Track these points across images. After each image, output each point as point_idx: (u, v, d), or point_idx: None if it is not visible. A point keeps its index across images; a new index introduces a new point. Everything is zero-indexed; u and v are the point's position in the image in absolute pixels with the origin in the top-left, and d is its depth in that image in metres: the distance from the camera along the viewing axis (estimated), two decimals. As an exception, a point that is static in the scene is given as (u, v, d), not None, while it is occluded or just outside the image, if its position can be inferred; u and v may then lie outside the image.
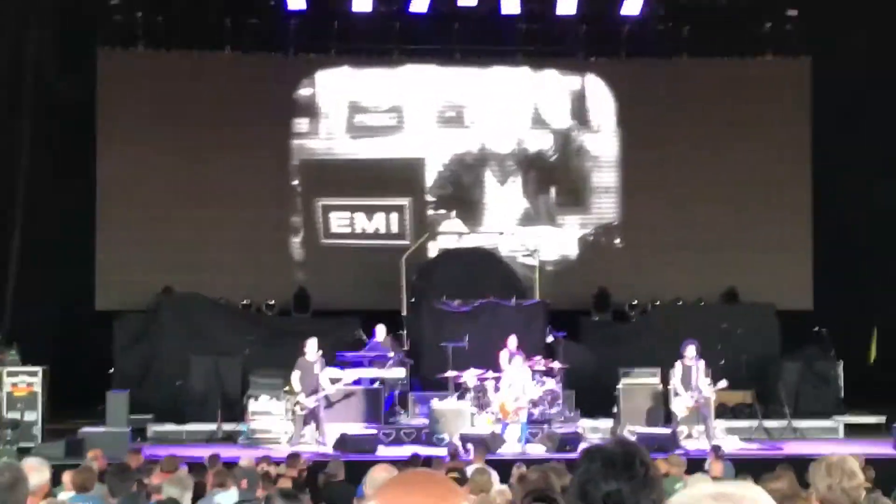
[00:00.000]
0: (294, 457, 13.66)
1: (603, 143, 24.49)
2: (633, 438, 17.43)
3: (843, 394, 21.34)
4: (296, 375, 18.02)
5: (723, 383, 18.20)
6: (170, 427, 19.82)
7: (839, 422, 20.21)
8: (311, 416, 18.04)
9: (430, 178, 24.37)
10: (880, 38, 21.55)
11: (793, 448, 17.74)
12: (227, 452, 14.92)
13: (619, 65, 24.33)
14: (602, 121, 24.48)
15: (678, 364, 18.28)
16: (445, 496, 2.26)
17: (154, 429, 19.67)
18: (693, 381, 18.08)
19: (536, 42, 23.91)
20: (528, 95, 24.52)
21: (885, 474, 12.17)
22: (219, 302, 22.38)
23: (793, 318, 22.36)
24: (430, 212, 24.37)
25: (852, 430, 19.99)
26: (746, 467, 12.72)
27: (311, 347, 18.16)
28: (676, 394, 18.27)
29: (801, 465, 7.96)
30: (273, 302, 22.96)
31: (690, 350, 18.22)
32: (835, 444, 18.51)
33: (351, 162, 24.14)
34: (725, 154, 23.81)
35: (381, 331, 19.92)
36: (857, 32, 21.93)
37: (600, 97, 24.47)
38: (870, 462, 11.80)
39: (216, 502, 9.91)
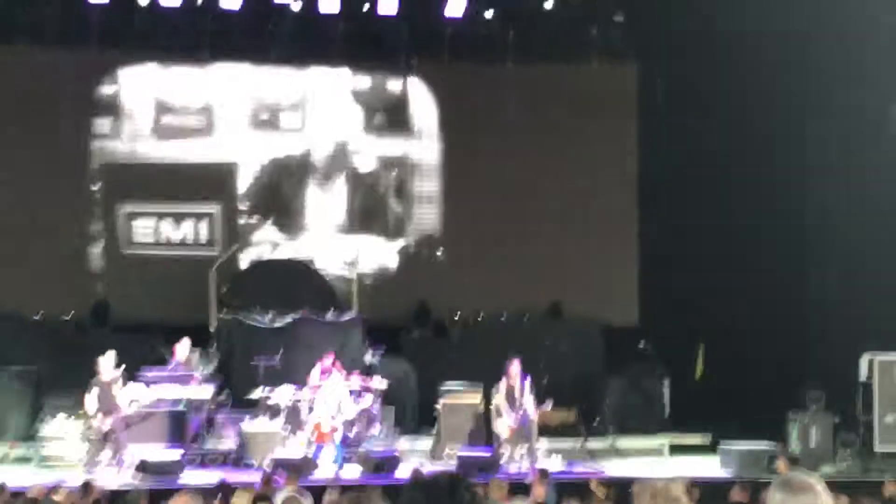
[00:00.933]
0: (87, 486, 12.66)
1: (425, 149, 23.55)
2: (454, 460, 16.94)
3: (668, 412, 20.86)
4: (91, 396, 16.62)
5: (547, 405, 17.62)
6: (-46, 452, 18.33)
7: (664, 441, 19.77)
8: (109, 440, 16.67)
9: (242, 183, 23.08)
10: (705, 44, 21.24)
11: (616, 468, 17.28)
12: (17, 479, 14.03)
13: (441, 68, 23.37)
14: (424, 126, 23.53)
15: (502, 382, 17.46)
16: None
17: (-65, 455, 18.14)
18: (517, 400, 17.33)
19: (356, 42, 22.77)
20: (347, 98, 23.40)
21: (711, 493, 11.97)
22: (8, 315, 20.70)
23: (618, 334, 21.84)
24: (242, 220, 23.08)
25: (677, 450, 19.59)
26: (570, 489, 12.28)
27: (107, 364, 16.84)
28: (500, 414, 17.41)
29: (624, 486, 7.79)
30: (69, 316, 21.47)
31: (515, 367, 17.43)
32: (660, 464, 18.23)
33: (156, 166, 22.64)
34: (550, 164, 23.10)
35: (183, 347, 18.45)
36: (684, 38, 21.64)
37: (422, 101, 23.51)
38: (696, 483, 11.51)
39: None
